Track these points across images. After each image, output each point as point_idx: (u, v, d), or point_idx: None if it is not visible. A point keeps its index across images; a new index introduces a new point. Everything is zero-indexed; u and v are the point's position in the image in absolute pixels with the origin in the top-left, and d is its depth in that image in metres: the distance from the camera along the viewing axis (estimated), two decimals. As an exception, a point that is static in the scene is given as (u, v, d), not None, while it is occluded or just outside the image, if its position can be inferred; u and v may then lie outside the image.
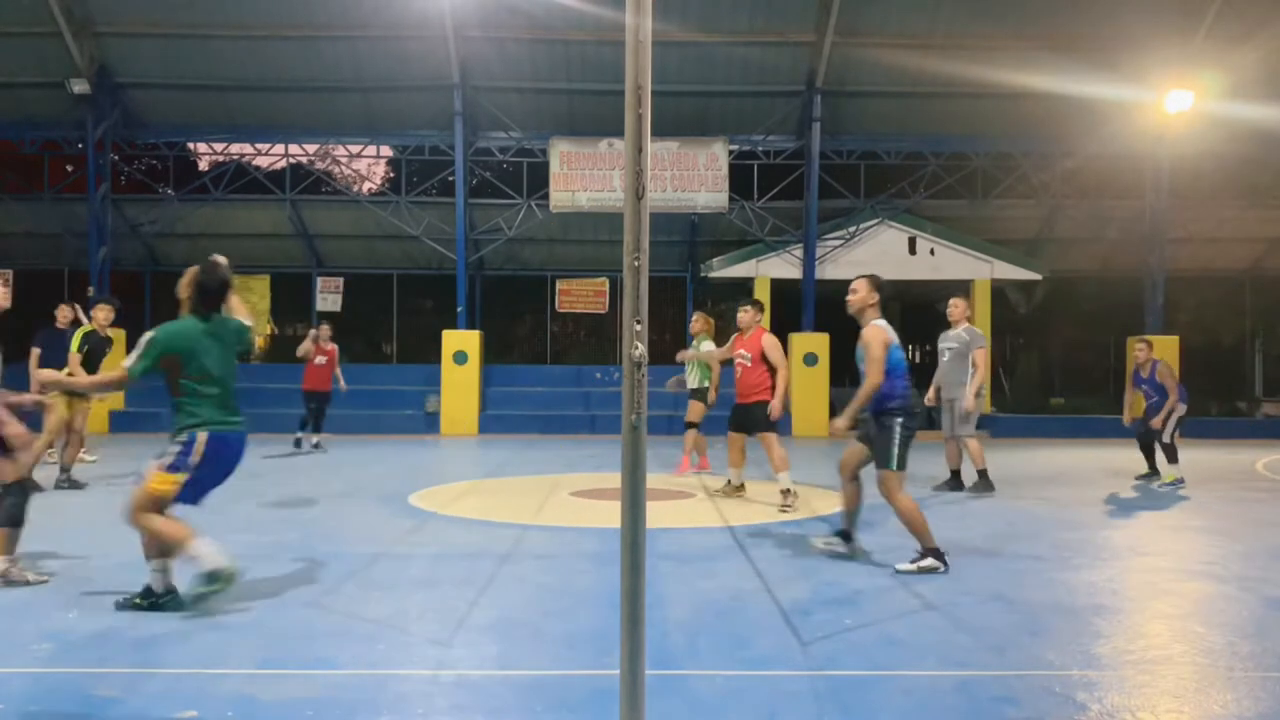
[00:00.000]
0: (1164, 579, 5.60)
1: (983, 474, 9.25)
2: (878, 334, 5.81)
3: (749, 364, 8.35)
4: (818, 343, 17.45)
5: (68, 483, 8.87)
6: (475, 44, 16.40)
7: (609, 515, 7.38)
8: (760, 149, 18.21)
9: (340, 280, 20.18)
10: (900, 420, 5.69)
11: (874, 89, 17.29)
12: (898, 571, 5.53)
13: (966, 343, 9.17)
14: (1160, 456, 10.27)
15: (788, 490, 7.99)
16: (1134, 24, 16.01)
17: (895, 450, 5.67)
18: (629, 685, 2.60)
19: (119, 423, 16.80)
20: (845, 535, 6.07)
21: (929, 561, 5.55)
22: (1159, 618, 4.80)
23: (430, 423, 17.25)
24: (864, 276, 6.18)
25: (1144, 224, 18.44)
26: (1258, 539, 6.94)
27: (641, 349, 2.58)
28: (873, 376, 5.69)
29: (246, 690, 3.52)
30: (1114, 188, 19.19)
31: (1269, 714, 3.42)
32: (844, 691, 3.59)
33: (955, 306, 9.42)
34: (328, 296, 20.10)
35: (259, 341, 24.64)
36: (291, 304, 22.77)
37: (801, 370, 17.42)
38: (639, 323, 2.59)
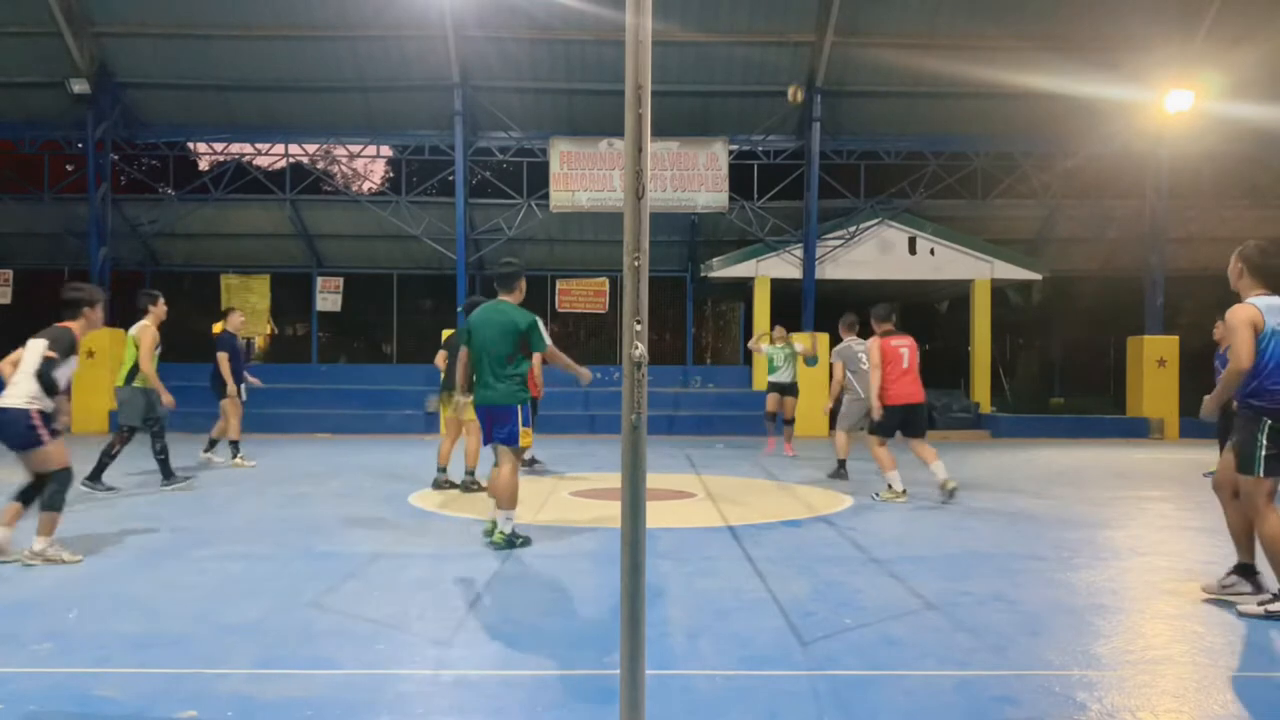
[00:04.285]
0: (1164, 579, 5.59)
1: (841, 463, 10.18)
2: (1236, 315, 4.72)
3: None
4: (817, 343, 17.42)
5: (462, 483, 8.98)
6: (475, 44, 16.40)
7: (609, 515, 7.39)
8: (760, 149, 18.20)
9: (340, 280, 20.18)
10: (1269, 422, 4.63)
11: (874, 89, 17.28)
12: (1241, 614, 4.67)
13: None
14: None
15: None
16: (1134, 24, 16.01)
17: (1257, 454, 4.67)
18: (629, 685, 2.60)
19: (118, 423, 16.75)
20: (1245, 569, 4.97)
21: None
22: (1159, 618, 4.79)
23: (430, 423, 17.24)
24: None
25: (1144, 224, 18.45)
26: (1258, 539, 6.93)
27: (641, 349, 2.58)
28: (1233, 361, 4.69)
29: (246, 690, 3.52)
30: (1114, 188, 19.20)
31: (1269, 714, 3.42)
32: (844, 691, 3.59)
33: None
34: (327, 296, 20.10)
35: (259, 341, 24.67)
36: (291, 304, 22.80)
37: (801, 370, 17.39)
38: (639, 323, 2.59)
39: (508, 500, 6.18)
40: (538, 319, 6.25)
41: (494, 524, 6.30)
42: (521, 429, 6.18)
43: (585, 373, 6.55)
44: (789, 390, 13.00)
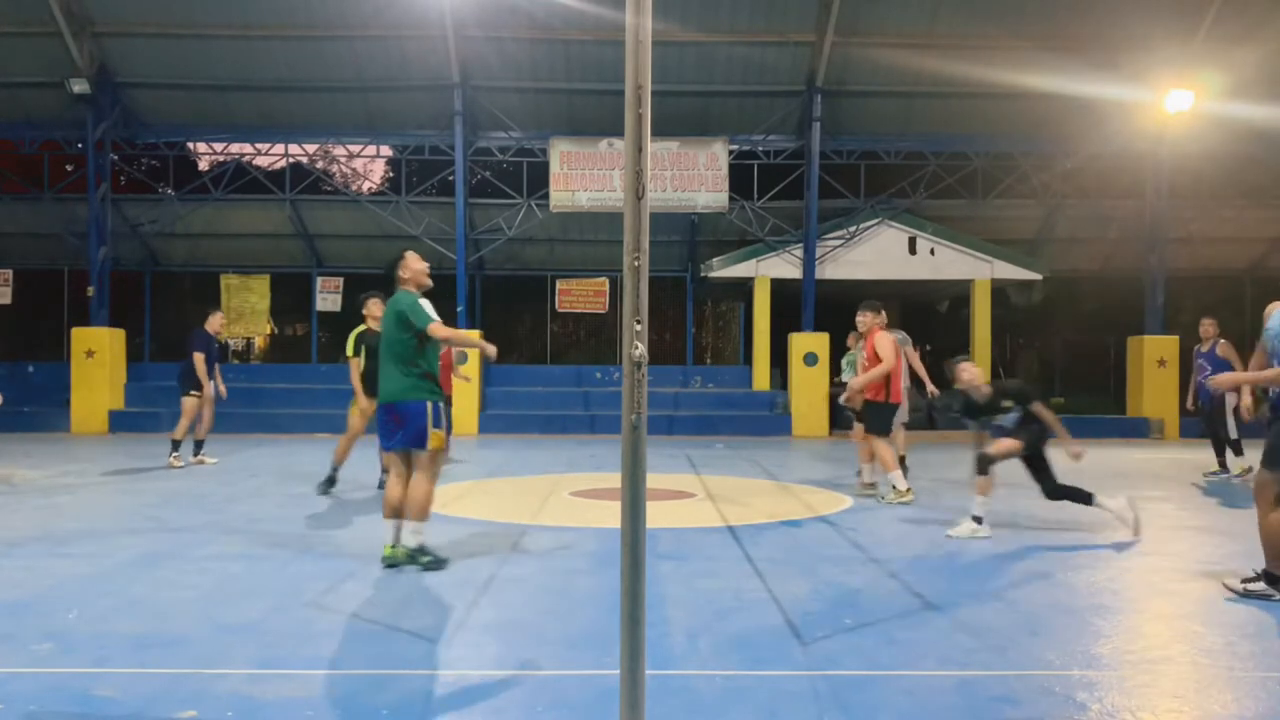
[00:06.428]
0: (1164, 579, 5.59)
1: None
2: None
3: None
4: (818, 342, 17.44)
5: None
6: (475, 44, 16.40)
7: (609, 515, 7.38)
8: (760, 149, 18.20)
9: (340, 280, 20.18)
10: None
11: (874, 89, 17.28)
12: (1226, 587, 5.01)
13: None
14: (1229, 452, 11.20)
15: None
16: (1134, 24, 16.01)
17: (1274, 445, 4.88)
18: (629, 685, 2.60)
19: (118, 422, 16.79)
20: (1274, 580, 4.99)
21: (1261, 586, 4.89)
22: (1159, 618, 4.79)
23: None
24: None
25: (1144, 224, 18.45)
26: (1258, 539, 6.93)
27: (641, 349, 2.58)
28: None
29: (246, 690, 3.52)
30: (1114, 188, 19.19)
31: (1269, 714, 3.42)
32: (844, 691, 3.59)
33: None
34: (327, 296, 20.10)
35: (259, 341, 24.65)
36: (291, 304, 22.80)
37: (801, 370, 17.45)
38: (639, 323, 2.59)
39: (418, 511, 5.59)
40: (417, 297, 5.63)
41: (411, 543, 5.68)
42: (431, 430, 5.61)
43: (489, 347, 5.98)
44: None
